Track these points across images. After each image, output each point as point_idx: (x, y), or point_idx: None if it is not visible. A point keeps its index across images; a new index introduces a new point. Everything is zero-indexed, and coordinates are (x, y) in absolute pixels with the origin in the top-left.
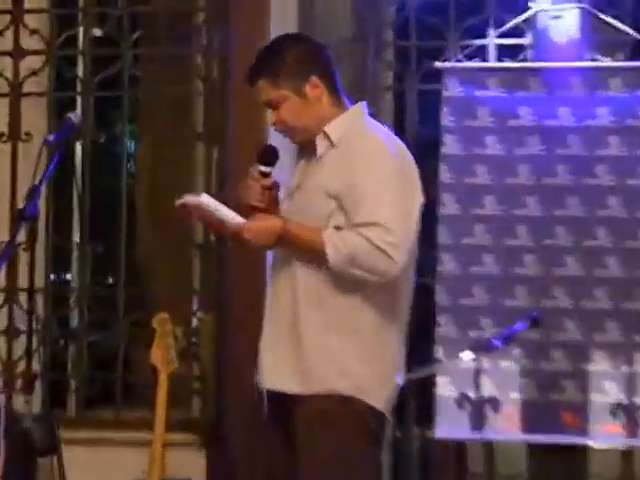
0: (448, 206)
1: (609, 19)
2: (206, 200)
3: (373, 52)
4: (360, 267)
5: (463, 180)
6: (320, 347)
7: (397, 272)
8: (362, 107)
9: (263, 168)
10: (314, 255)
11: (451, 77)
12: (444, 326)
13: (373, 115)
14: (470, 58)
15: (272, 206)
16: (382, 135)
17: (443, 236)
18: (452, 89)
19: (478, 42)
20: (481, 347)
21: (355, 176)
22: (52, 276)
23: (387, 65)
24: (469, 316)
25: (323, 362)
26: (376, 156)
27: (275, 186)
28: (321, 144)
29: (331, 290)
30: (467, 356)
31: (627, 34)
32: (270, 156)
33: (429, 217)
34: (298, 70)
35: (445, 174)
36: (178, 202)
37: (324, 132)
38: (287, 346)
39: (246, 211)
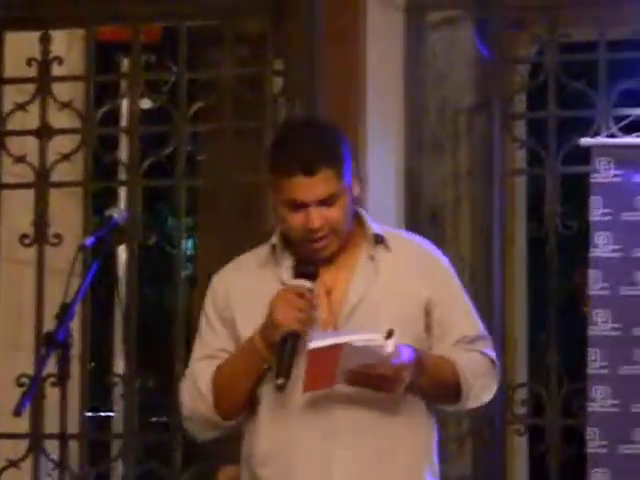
0: (601, 325)
1: None
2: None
3: (499, 124)
4: (485, 392)
5: (620, 292)
6: None
7: None
8: None
9: (309, 284)
10: (440, 393)
11: (602, 157)
12: None
13: (501, 206)
14: (627, 132)
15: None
16: None
17: (595, 363)
18: (604, 172)
19: (637, 111)
20: None
21: (447, 284)
22: (89, 419)
23: (518, 141)
24: None
25: None
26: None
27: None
28: (374, 249)
29: (434, 436)
30: None
31: None
32: (314, 268)
33: (574, 338)
34: (351, 163)
35: (596, 284)
36: (310, 348)
37: (377, 235)
38: None
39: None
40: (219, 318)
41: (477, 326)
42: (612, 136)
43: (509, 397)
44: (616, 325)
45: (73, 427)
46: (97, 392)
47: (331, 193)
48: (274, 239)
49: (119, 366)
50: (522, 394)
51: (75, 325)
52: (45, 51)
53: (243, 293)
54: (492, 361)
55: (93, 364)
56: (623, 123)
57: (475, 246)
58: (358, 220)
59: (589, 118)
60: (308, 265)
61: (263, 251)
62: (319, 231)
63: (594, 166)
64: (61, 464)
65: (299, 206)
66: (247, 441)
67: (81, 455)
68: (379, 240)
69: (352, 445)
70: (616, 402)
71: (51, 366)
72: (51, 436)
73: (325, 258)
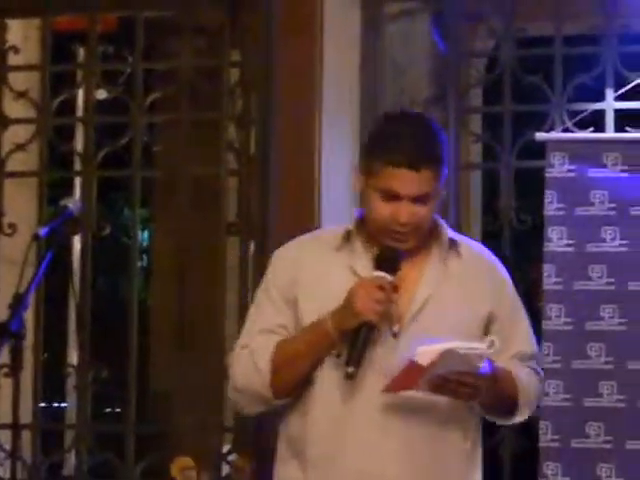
0: (554, 320)
1: None
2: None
3: (454, 118)
4: (532, 409)
5: (573, 287)
6: None
7: None
8: None
9: (390, 278)
10: (499, 405)
11: (557, 151)
12: None
13: (455, 200)
14: (582, 127)
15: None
16: None
17: (548, 358)
18: (559, 167)
19: (592, 106)
20: None
21: (510, 300)
22: (42, 409)
23: (473, 135)
24: None
25: None
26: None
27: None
28: (447, 253)
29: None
30: None
31: None
32: (396, 263)
33: None
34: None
35: (550, 279)
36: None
37: (452, 239)
38: None
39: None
40: (282, 294)
41: (533, 343)
42: (567, 131)
43: None
44: (569, 320)
45: (26, 417)
46: (50, 383)
47: (427, 192)
48: (350, 225)
49: (73, 357)
50: None
51: (28, 315)
52: (1, 40)
53: (310, 275)
54: (541, 380)
55: (46, 355)
56: (578, 118)
57: None
58: (433, 223)
59: (544, 113)
60: (391, 259)
61: (333, 234)
62: (406, 226)
63: (549, 161)
64: (13, 454)
65: (393, 197)
66: (295, 422)
67: (34, 445)
68: (452, 245)
69: (405, 438)
70: (568, 396)
71: (4, 356)
72: (4, 426)
73: (405, 251)
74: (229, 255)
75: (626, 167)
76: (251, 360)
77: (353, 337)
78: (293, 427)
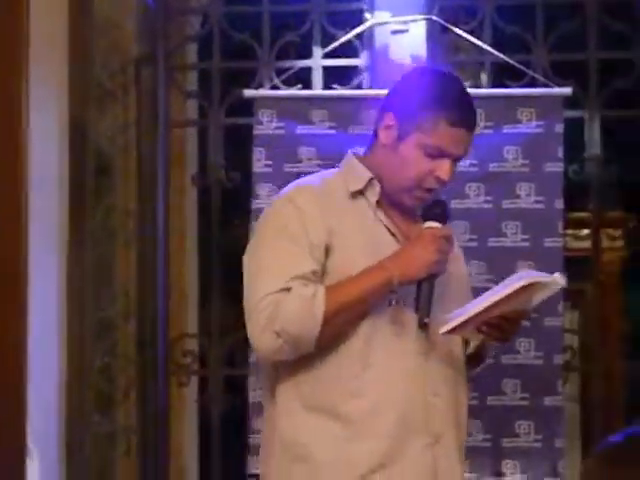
0: None
1: (464, 34)
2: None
3: (164, 75)
4: None
5: None
6: None
7: None
8: None
9: (444, 229)
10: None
11: (265, 109)
12: None
13: (165, 157)
14: (290, 84)
15: None
16: None
17: None
18: (267, 124)
19: (299, 63)
20: None
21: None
22: None
23: (183, 93)
24: None
25: None
26: None
27: None
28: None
29: None
30: None
31: (488, 53)
32: (445, 215)
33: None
34: None
35: None
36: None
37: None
38: None
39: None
40: (310, 240)
41: None
42: (276, 88)
43: (173, 348)
44: None
45: None
46: None
47: (463, 153)
48: (369, 174)
49: None
50: (191, 345)
51: None
52: None
53: (340, 222)
54: None
55: None
56: (285, 75)
57: (142, 197)
58: None
59: (253, 69)
60: (440, 208)
61: (353, 180)
62: (443, 184)
63: (257, 118)
64: None
65: (440, 155)
66: (327, 376)
67: None
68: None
69: (442, 392)
70: None
71: None
72: None
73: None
74: None
75: (333, 124)
76: (305, 305)
77: (422, 287)
78: (329, 382)
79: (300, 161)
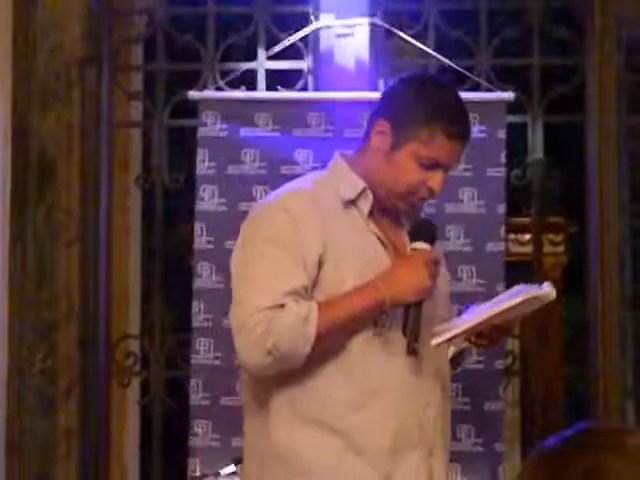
0: (205, 278)
1: (409, 38)
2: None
3: (108, 77)
4: None
5: (225, 245)
6: None
7: None
8: None
9: (434, 252)
10: None
11: (209, 110)
12: None
13: (108, 159)
14: (234, 86)
15: None
16: None
17: (199, 316)
18: (211, 126)
19: (244, 65)
20: None
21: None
22: None
23: (126, 94)
24: None
25: None
26: None
27: None
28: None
29: None
30: None
31: (432, 58)
32: (434, 234)
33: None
34: None
35: (201, 237)
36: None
37: None
38: None
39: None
40: (304, 252)
41: None
42: (220, 90)
43: (115, 349)
44: (219, 278)
45: None
46: None
47: (455, 163)
48: (363, 183)
49: None
50: (133, 346)
51: None
52: None
53: (333, 232)
54: None
55: None
56: (230, 77)
57: (85, 198)
58: None
59: (198, 71)
60: (429, 229)
61: (344, 188)
62: (435, 194)
63: (201, 120)
64: None
65: (434, 166)
66: (323, 389)
67: None
68: None
69: (433, 402)
70: (219, 355)
71: None
72: None
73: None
74: None
75: (277, 127)
76: (298, 323)
77: (410, 311)
78: (326, 394)
79: (244, 163)
